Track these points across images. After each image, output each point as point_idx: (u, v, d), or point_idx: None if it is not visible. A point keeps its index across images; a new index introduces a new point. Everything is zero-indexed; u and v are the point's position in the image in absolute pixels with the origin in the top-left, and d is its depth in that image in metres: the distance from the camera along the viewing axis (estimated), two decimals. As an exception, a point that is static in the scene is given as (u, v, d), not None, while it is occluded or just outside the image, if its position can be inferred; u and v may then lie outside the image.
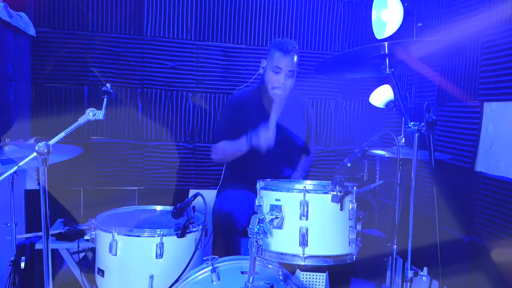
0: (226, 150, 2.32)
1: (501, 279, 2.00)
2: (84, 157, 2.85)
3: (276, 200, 1.51)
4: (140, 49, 2.94)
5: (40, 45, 2.76)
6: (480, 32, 2.19)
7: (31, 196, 2.83)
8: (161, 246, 1.74)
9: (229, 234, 2.10)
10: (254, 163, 2.29)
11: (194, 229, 1.83)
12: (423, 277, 1.63)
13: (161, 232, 1.75)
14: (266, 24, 3.11)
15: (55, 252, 2.37)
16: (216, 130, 2.55)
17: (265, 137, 2.12)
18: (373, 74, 2.10)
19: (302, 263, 1.47)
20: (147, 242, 1.75)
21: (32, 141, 2.78)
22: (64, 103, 2.85)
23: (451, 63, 2.41)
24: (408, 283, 1.57)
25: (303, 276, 1.71)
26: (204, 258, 1.64)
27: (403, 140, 2.00)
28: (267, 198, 1.56)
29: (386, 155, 2.03)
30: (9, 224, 1.81)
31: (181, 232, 1.76)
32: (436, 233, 1.64)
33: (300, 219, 1.47)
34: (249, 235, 1.35)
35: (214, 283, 1.52)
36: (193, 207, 1.80)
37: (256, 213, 1.58)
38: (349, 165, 1.45)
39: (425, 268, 1.65)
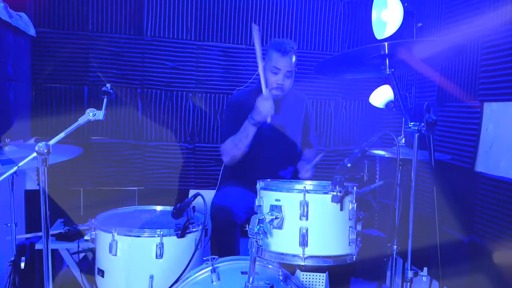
0: (234, 142, 2.26)
1: (501, 279, 2.00)
2: (84, 157, 2.85)
3: (276, 200, 1.52)
4: (140, 49, 2.94)
5: (40, 45, 2.76)
6: (480, 32, 2.19)
7: (31, 196, 2.83)
8: (161, 246, 1.74)
9: (228, 229, 2.09)
10: (254, 163, 2.29)
11: (194, 229, 1.83)
12: (423, 277, 1.63)
13: (161, 232, 1.75)
14: (266, 24, 3.11)
15: (55, 252, 2.37)
16: (222, 131, 2.51)
17: (265, 106, 2.11)
18: (373, 74, 2.10)
19: (302, 263, 1.47)
20: (147, 242, 1.75)
21: (32, 141, 2.78)
22: (64, 103, 2.85)
23: (451, 63, 2.41)
24: (408, 283, 1.57)
25: (303, 276, 1.71)
26: (204, 258, 1.64)
27: (403, 141, 2.00)
28: (267, 198, 1.56)
29: (386, 155, 2.03)
30: (9, 224, 1.81)
31: (181, 232, 1.76)
32: (436, 233, 1.64)
33: (300, 219, 1.47)
34: (249, 235, 1.35)
35: (214, 283, 1.52)
36: (193, 207, 1.80)
37: (255, 210, 1.58)
38: (349, 165, 1.45)
39: (425, 268, 1.65)
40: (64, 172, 2.85)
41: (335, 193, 1.45)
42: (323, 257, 1.48)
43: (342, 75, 2.29)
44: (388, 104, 2.66)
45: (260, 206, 1.57)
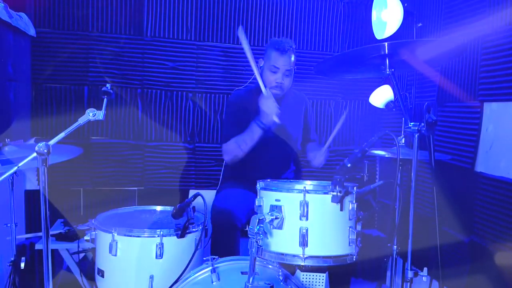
0: (238, 143, 2.24)
1: (501, 280, 2.00)
2: (84, 157, 2.85)
3: (276, 200, 1.52)
4: (140, 49, 2.94)
5: (40, 45, 2.76)
6: (480, 32, 2.19)
7: (31, 197, 2.83)
8: (161, 246, 1.74)
9: (228, 232, 2.10)
10: (254, 163, 2.29)
11: (194, 230, 1.83)
12: (423, 278, 1.64)
13: (161, 232, 1.75)
14: (266, 24, 3.11)
15: (55, 253, 2.37)
16: (224, 129, 2.48)
17: (268, 106, 2.10)
18: (373, 74, 2.10)
19: (302, 264, 1.47)
20: (147, 243, 1.75)
21: (32, 141, 2.78)
22: (64, 103, 2.85)
23: (451, 63, 2.41)
24: (408, 284, 1.57)
25: (303, 276, 1.71)
26: (204, 259, 1.64)
27: (403, 141, 2.00)
28: (267, 198, 1.56)
29: (386, 156, 2.03)
30: (9, 225, 1.81)
31: (181, 233, 1.76)
32: (436, 234, 1.65)
33: (300, 219, 1.47)
34: (249, 236, 1.35)
35: (214, 283, 1.52)
36: (193, 207, 1.80)
37: (256, 211, 1.58)
38: (349, 165, 1.45)
39: (425, 269, 1.65)
40: (64, 172, 2.85)
41: (335, 193, 1.45)
42: (323, 257, 1.48)
43: (342, 75, 2.29)
44: (388, 104, 2.66)
45: (260, 206, 1.57)
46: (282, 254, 1.49)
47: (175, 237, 1.77)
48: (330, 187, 1.46)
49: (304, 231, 1.46)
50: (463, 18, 2.34)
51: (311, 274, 1.67)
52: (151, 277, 1.73)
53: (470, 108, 2.28)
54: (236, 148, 2.26)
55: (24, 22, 2.46)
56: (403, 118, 2.74)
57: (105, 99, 1.52)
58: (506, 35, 2.02)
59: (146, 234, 1.76)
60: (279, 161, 2.41)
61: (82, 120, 1.47)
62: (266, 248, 1.51)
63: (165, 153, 3.04)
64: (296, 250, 1.47)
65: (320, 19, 3.20)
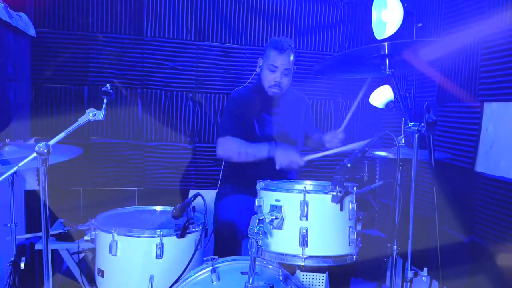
0: (239, 150, 2.22)
1: (501, 280, 2.00)
2: (84, 157, 2.85)
3: (276, 200, 1.52)
4: (140, 49, 2.94)
5: (40, 45, 2.76)
6: (480, 32, 2.19)
7: (31, 197, 2.83)
8: (161, 246, 1.74)
9: (232, 243, 2.12)
10: (255, 163, 2.28)
11: (194, 230, 1.83)
12: (423, 278, 1.63)
13: (161, 232, 1.75)
14: (266, 24, 3.11)
15: (55, 253, 2.36)
16: (222, 124, 2.43)
17: (289, 160, 2.10)
18: (373, 74, 2.10)
19: (302, 264, 1.47)
20: (147, 243, 1.75)
21: (32, 141, 2.78)
22: (64, 103, 2.85)
23: (451, 63, 2.41)
24: (408, 284, 1.56)
25: (303, 276, 1.71)
26: (204, 259, 1.64)
27: (403, 141, 2.00)
28: (267, 198, 1.56)
29: (386, 156, 2.03)
30: (9, 225, 1.81)
31: (181, 233, 1.76)
32: (436, 233, 1.65)
33: (300, 219, 1.47)
34: (249, 236, 1.35)
35: (214, 283, 1.52)
36: (193, 207, 1.80)
37: (256, 211, 1.58)
38: (349, 165, 1.45)
39: (425, 269, 1.65)
40: (64, 172, 2.85)
41: (335, 193, 1.45)
42: (323, 257, 1.48)
43: (342, 75, 2.29)
44: (388, 104, 2.66)
45: (260, 206, 1.57)
46: (282, 254, 1.49)
47: (175, 237, 1.77)
48: (330, 187, 1.46)
49: (304, 231, 1.46)
50: (463, 18, 2.34)
51: (311, 274, 1.67)
52: (151, 277, 1.73)
53: (470, 108, 2.28)
54: (234, 152, 2.24)
55: (24, 22, 2.46)
56: (403, 118, 2.74)
57: (105, 99, 1.52)
58: (506, 35, 2.02)
59: (146, 234, 1.76)
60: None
61: (82, 120, 1.47)
62: (266, 248, 1.51)
63: (165, 153, 3.04)
64: (296, 250, 1.47)
65: (320, 19, 3.20)
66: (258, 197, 1.60)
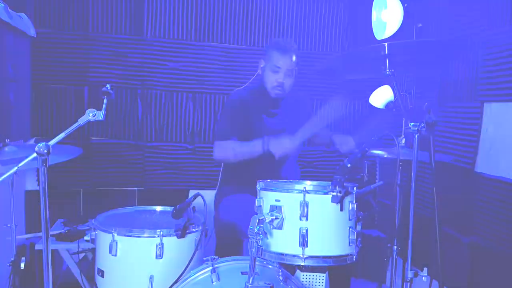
0: (235, 151, 2.23)
1: (501, 280, 2.00)
2: (84, 157, 2.84)
3: (276, 200, 1.51)
4: (140, 49, 2.94)
5: (40, 45, 2.76)
6: (480, 32, 2.19)
7: (31, 197, 2.83)
8: (161, 246, 1.74)
9: (234, 244, 2.12)
10: (256, 164, 2.28)
11: (194, 230, 1.83)
12: (423, 278, 1.63)
13: (161, 232, 1.75)
14: (266, 24, 3.11)
15: (55, 253, 2.37)
16: (220, 127, 2.44)
17: (284, 147, 2.11)
18: (373, 74, 2.10)
19: (302, 264, 1.47)
20: (147, 243, 1.75)
21: (32, 141, 2.78)
22: (64, 103, 2.85)
23: (451, 63, 2.41)
24: (408, 284, 1.57)
25: (303, 276, 1.70)
26: (204, 259, 1.64)
27: (403, 141, 2.00)
28: (267, 198, 1.56)
29: (386, 156, 2.03)
30: (9, 225, 1.81)
31: (181, 233, 1.76)
32: (436, 234, 1.64)
33: (300, 219, 1.47)
34: (249, 236, 1.35)
35: (214, 283, 1.52)
36: (193, 207, 1.80)
37: (255, 211, 1.58)
38: (349, 165, 1.45)
39: (425, 269, 1.65)
40: (64, 173, 2.85)
41: (335, 194, 1.44)
42: (323, 257, 1.48)
43: (342, 76, 2.29)
44: (388, 105, 2.66)
45: (260, 206, 1.57)
46: (282, 254, 1.49)
47: (175, 237, 1.77)
48: (330, 187, 1.45)
49: (304, 231, 1.46)
50: (463, 18, 2.34)
51: (311, 274, 1.66)
52: (151, 277, 1.73)
53: (470, 108, 2.28)
54: (230, 153, 2.24)
55: (24, 22, 2.46)
56: (403, 119, 2.74)
57: (105, 99, 1.52)
58: (507, 35, 2.02)
59: (146, 234, 1.76)
60: (283, 162, 2.40)
61: (82, 120, 1.47)
62: (266, 248, 1.51)
63: (165, 153, 3.04)
64: (296, 250, 1.47)
65: (320, 19, 3.20)
66: (258, 197, 1.60)
